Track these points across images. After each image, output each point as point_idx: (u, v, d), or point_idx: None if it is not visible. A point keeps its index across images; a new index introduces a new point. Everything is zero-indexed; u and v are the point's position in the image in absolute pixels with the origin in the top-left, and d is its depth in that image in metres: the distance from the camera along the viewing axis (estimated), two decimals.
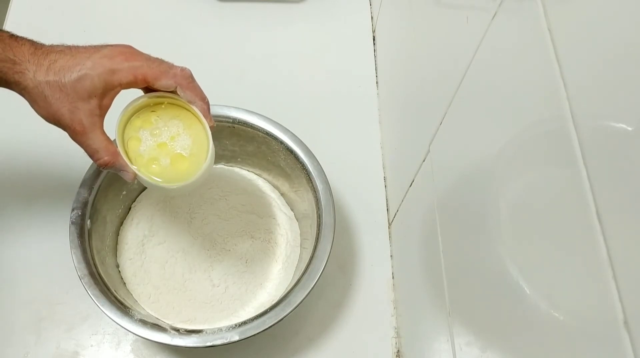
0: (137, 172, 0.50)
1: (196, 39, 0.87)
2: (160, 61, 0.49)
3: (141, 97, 0.51)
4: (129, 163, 0.50)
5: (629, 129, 0.26)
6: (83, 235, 0.58)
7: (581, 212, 0.28)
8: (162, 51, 0.84)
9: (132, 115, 0.52)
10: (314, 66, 0.86)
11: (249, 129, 0.65)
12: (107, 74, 0.46)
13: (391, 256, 0.72)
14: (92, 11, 0.88)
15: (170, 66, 0.49)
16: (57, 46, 0.47)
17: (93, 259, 0.57)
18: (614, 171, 0.27)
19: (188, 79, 0.50)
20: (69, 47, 0.47)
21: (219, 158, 0.72)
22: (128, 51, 0.48)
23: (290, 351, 0.65)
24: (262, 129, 0.65)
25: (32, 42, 0.46)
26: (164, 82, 0.48)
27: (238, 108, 0.65)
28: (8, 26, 0.84)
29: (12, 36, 0.46)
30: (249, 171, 0.73)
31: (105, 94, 0.47)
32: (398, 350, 0.66)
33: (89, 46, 0.47)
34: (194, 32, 0.87)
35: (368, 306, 0.68)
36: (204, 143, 0.52)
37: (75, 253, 0.56)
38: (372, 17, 0.91)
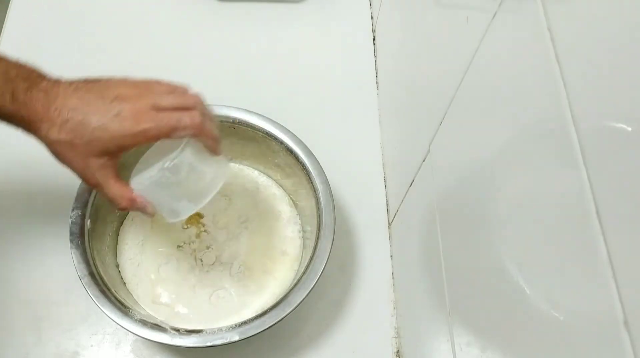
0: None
1: (196, 39, 0.86)
2: (170, 115, 0.48)
3: None
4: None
5: (629, 129, 0.26)
6: (83, 235, 0.58)
7: (581, 212, 0.28)
8: (163, 51, 0.84)
9: None
10: (314, 65, 0.86)
11: (249, 129, 0.65)
12: (119, 139, 0.46)
13: (391, 256, 0.72)
14: (92, 11, 0.88)
15: (179, 118, 0.48)
16: (70, 94, 0.46)
17: (93, 259, 0.57)
18: (614, 171, 0.27)
19: (197, 127, 0.49)
20: (81, 100, 0.46)
21: None
22: (139, 110, 0.47)
23: (290, 351, 0.65)
24: (262, 129, 0.65)
25: (46, 93, 0.46)
26: (176, 136, 0.49)
27: (238, 108, 0.65)
28: (8, 26, 0.84)
29: (28, 89, 0.46)
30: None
31: (116, 153, 0.48)
32: (398, 350, 0.66)
33: (99, 96, 0.47)
34: (193, 32, 0.87)
35: (368, 306, 0.68)
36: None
37: (75, 253, 0.56)
38: (372, 17, 0.91)
